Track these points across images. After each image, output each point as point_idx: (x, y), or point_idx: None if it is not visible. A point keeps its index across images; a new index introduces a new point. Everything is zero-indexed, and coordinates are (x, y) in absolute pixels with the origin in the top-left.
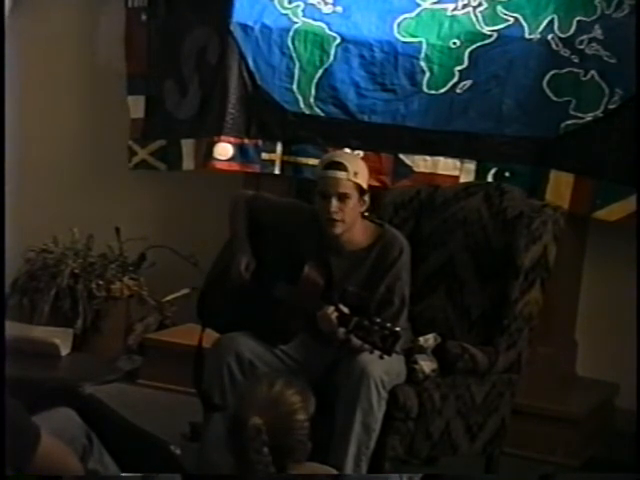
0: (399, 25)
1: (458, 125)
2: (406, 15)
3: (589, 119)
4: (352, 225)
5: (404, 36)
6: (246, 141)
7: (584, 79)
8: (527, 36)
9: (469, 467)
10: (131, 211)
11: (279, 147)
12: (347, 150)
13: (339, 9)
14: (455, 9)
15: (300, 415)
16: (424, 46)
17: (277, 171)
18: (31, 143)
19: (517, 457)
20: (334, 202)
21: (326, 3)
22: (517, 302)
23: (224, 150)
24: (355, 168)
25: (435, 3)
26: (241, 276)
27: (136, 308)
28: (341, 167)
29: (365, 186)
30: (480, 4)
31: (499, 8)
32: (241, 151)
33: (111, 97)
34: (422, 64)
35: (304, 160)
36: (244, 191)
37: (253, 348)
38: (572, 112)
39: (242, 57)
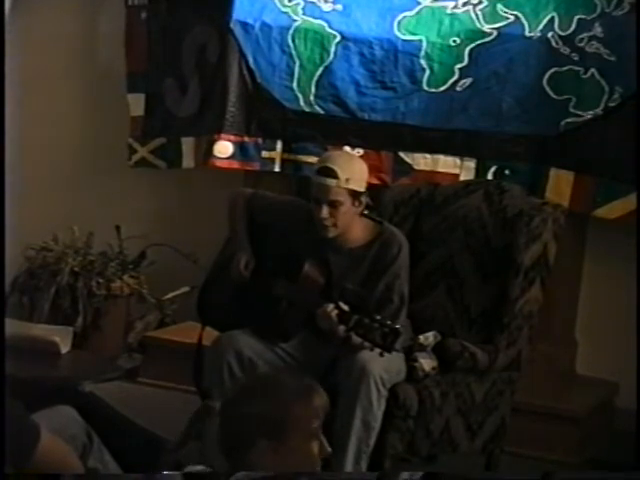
0: (399, 23)
1: (458, 123)
2: (406, 13)
3: (589, 117)
4: (347, 226)
5: (404, 34)
6: (246, 139)
7: (584, 77)
8: (527, 34)
9: (469, 465)
10: (131, 209)
11: (279, 145)
12: (347, 148)
13: (339, 7)
14: (455, 7)
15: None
16: (424, 44)
17: (277, 169)
18: (31, 142)
19: (517, 455)
20: (324, 208)
21: (326, 1)
22: (517, 300)
23: (224, 148)
24: (348, 174)
25: (435, 1)
26: (241, 274)
27: (136, 306)
28: (332, 174)
29: (361, 189)
30: (480, 2)
31: (499, 6)
32: (241, 149)
33: (111, 95)
34: (422, 62)
35: (304, 158)
36: (243, 189)
37: (253, 346)
38: (572, 110)
39: (242, 55)
